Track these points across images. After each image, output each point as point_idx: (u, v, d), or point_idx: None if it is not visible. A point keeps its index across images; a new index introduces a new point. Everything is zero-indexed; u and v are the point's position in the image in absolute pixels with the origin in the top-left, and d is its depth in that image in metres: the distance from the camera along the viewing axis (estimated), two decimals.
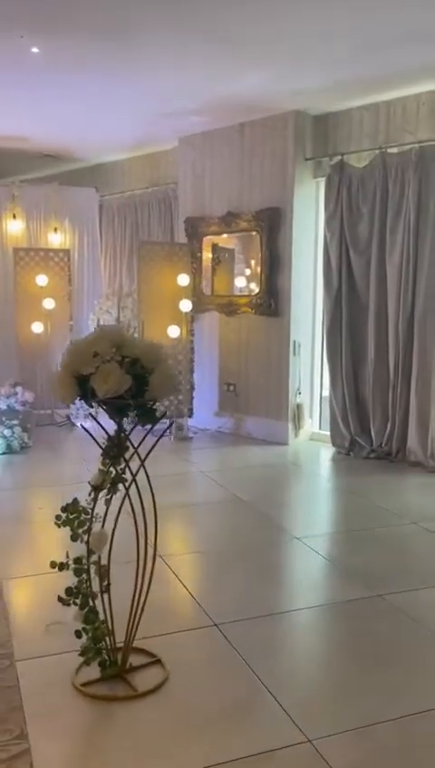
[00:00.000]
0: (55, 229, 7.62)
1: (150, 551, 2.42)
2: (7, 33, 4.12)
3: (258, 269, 6.12)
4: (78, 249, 7.74)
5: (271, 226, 5.95)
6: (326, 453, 5.78)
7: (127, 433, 2.29)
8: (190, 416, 6.66)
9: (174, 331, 6.21)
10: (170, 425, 6.37)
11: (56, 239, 7.61)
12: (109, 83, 5.08)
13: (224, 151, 6.31)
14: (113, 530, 2.29)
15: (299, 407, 6.07)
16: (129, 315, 6.69)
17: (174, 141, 6.75)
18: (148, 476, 2.32)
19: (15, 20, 3.96)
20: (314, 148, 5.89)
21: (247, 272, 6.47)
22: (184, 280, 6.26)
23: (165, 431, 6.28)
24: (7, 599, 2.96)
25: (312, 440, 6.19)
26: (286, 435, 6.04)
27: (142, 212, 7.43)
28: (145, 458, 2.35)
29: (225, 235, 6.49)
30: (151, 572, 2.38)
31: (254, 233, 6.13)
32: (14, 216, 7.43)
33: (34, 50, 4.42)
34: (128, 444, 2.31)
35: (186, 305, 6.22)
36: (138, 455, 2.33)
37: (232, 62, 4.63)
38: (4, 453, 5.55)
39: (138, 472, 2.32)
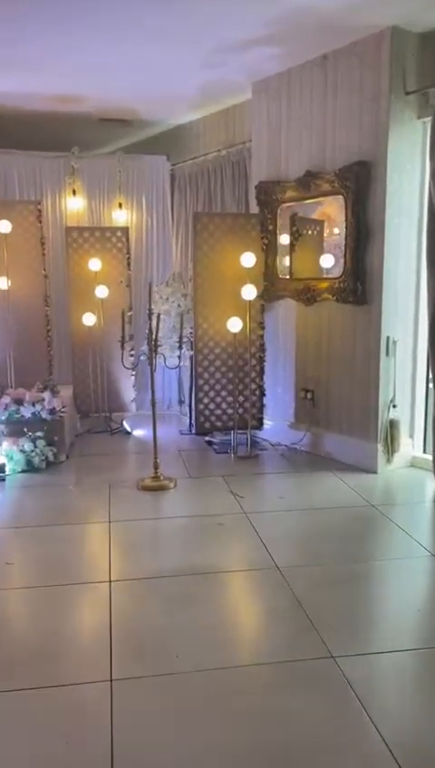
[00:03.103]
0: (120, 205, 6.64)
1: None
2: None
3: (343, 243, 4.71)
4: (146, 227, 6.72)
5: (358, 187, 4.52)
6: (428, 487, 4.32)
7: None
8: (260, 427, 5.43)
9: (235, 325, 4.97)
10: (233, 439, 5.18)
11: (121, 217, 6.64)
12: (136, 4, 3.92)
13: (303, 94, 4.94)
14: None
15: (393, 423, 4.62)
16: (190, 304, 5.54)
17: (248, 91, 5.47)
18: None
19: None
20: (420, 77, 4.37)
21: (335, 248, 5.07)
22: (249, 260, 5.00)
23: (226, 446, 5.16)
24: None
25: (412, 467, 4.73)
26: (375, 460, 4.62)
27: (215, 179, 6.23)
28: None
29: (307, 202, 5.12)
30: None
31: (338, 196, 4.72)
32: (74, 193, 6.53)
33: None
34: None
35: (249, 292, 4.95)
36: None
37: None
38: (23, 471, 4.66)
39: None
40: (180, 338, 4.44)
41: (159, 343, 4.27)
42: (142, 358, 5.61)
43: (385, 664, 2.36)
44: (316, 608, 2.72)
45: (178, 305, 5.60)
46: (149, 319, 4.24)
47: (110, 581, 2.97)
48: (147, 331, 4.54)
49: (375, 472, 4.59)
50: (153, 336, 4.23)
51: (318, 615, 2.66)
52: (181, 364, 5.89)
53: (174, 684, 2.24)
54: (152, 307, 5.74)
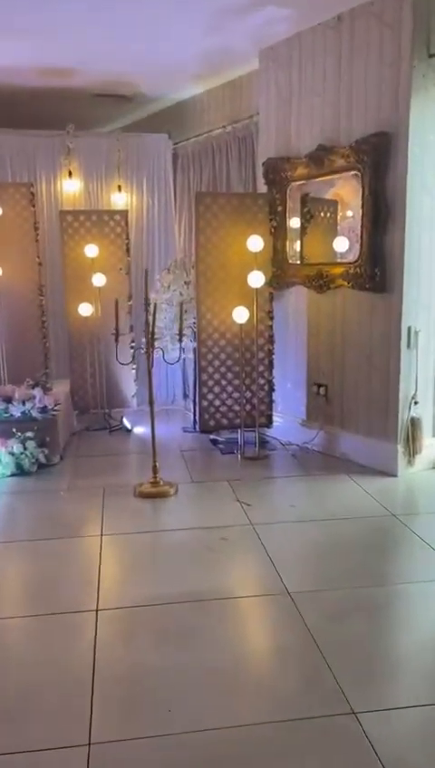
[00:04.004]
0: (119, 187, 6.23)
1: None
2: None
3: (358, 225, 4.29)
4: (147, 211, 6.31)
5: (376, 161, 4.09)
6: None
7: None
8: (269, 425, 5.04)
9: (241, 315, 4.57)
10: (240, 437, 4.79)
11: (120, 199, 6.23)
12: None
13: (315, 61, 4.50)
14: None
15: (414, 422, 4.22)
16: (193, 293, 5.14)
17: (254, 60, 5.03)
18: None
19: None
20: None
21: (349, 233, 4.64)
22: (256, 244, 4.59)
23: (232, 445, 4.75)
24: None
25: None
26: (395, 462, 4.22)
27: (220, 158, 5.81)
28: None
29: (319, 180, 4.68)
30: None
31: (354, 172, 4.29)
32: (70, 174, 6.13)
33: None
34: None
35: (256, 279, 4.55)
36: None
37: None
38: (12, 474, 4.30)
39: None
40: (180, 329, 4.03)
41: (156, 336, 3.88)
42: (143, 351, 5.24)
43: (418, 721, 1.98)
44: (333, 645, 2.34)
45: (181, 294, 5.20)
46: (145, 309, 3.85)
47: (97, 611, 2.60)
48: (150, 322, 4.16)
49: (395, 475, 4.20)
50: (150, 328, 3.84)
51: (335, 655, 2.28)
52: (184, 356, 5.51)
53: (164, 749, 1.87)
54: (151, 296, 5.39)
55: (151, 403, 4.04)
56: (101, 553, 3.14)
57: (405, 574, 2.97)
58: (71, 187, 6.14)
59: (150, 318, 3.81)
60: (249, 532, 3.37)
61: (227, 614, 2.60)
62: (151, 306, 3.83)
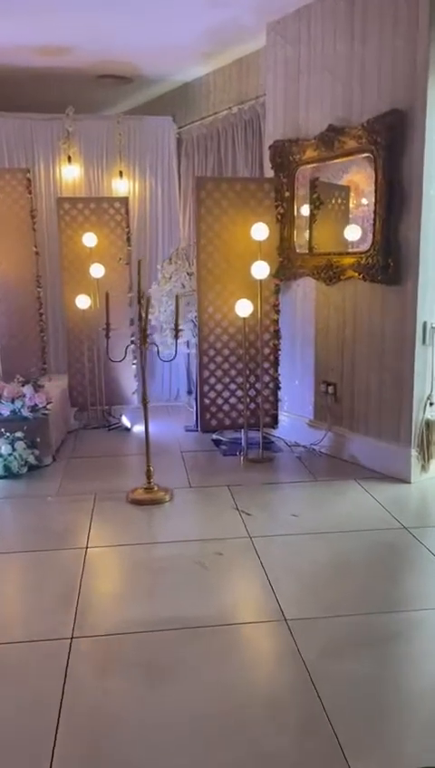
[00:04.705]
0: (121, 173, 5.95)
1: None
2: None
3: (372, 211, 3.97)
4: (150, 198, 6.02)
5: (391, 142, 3.76)
6: None
7: None
8: (274, 425, 4.75)
9: (245, 308, 4.28)
10: (244, 438, 4.51)
11: (122, 186, 5.95)
12: None
13: (326, 34, 4.18)
14: None
15: (429, 425, 3.91)
16: (196, 284, 4.85)
17: (262, 37, 4.70)
18: None
19: None
20: None
21: (364, 222, 4.32)
22: (261, 232, 4.29)
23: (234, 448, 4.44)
24: None
25: None
26: (408, 467, 3.92)
27: (226, 142, 5.50)
28: None
29: (330, 163, 4.36)
30: None
31: (366, 155, 3.97)
32: (70, 160, 5.85)
33: None
34: None
35: (261, 270, 4.25)
36: None
37: None
38: (1, 477, 4.05)
39: None
40: (176, 324, 3.75)
41: (148, 331, 3.60)
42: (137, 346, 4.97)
43: None
44: (333, 688, 2.06)
45: (183, 285, 4.91)
46: (138, 302, 3.58)
47: (71, 638, 2.34)
48: (143, 316, 3.88)
49: (408, 481, 3.91)
50: (142, 323, 3.56)
51: (335, 701, 2.00)
52: (188, 351, 5.25)
53: None
54: (153, 286, 5.11)
55: (145, 402, 3.78)
56: (83, 570, 2.87)
57: (418, 599, 2.67)
58: (70, 172, 5.87)
59: (143, 312, 3.53)
60: (247, 547, 3.09)
61: (216, 645, 2.32)
62: (144, 299, 3.55)
